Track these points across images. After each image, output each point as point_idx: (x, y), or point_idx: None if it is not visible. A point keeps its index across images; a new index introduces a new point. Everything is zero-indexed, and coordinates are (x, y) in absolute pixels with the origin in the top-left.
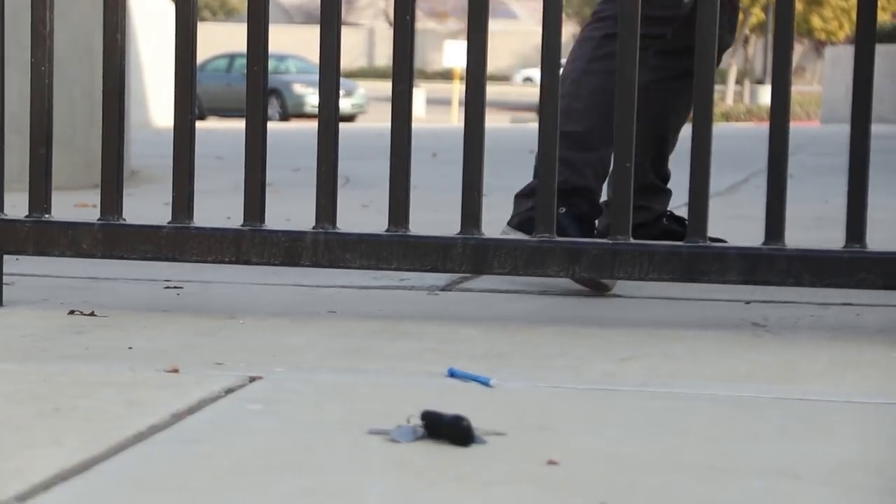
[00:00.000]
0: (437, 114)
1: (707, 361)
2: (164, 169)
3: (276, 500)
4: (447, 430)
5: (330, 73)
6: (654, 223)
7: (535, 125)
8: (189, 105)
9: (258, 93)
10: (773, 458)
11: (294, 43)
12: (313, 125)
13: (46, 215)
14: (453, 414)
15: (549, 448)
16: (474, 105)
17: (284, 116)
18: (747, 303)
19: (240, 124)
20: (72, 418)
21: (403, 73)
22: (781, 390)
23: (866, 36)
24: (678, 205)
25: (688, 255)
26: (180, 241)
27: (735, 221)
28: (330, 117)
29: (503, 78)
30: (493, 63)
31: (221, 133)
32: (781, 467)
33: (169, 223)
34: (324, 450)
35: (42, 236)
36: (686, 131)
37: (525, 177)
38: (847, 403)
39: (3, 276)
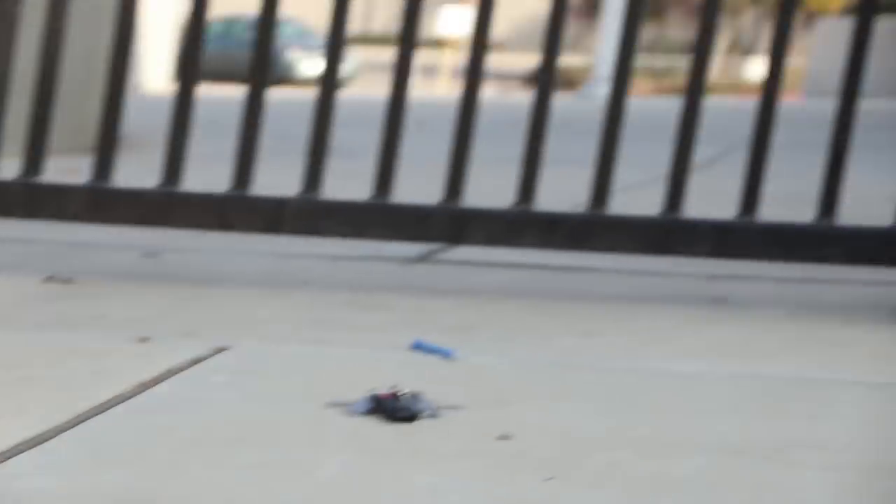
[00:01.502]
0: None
1: (665, 337)
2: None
3: (232, 472)
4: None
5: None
6: None
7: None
8: (192, 75)
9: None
10: (722, 434)
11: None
12: (300, 93)
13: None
14: (395, 403)
15: (503, 423)
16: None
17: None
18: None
19: (228, 90)
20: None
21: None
22: (734, 367)
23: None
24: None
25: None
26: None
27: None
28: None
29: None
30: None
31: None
32: (726, 444)
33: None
34: (283, 423)
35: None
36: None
37: (509, 146)
38: (798, 381)
39: None
